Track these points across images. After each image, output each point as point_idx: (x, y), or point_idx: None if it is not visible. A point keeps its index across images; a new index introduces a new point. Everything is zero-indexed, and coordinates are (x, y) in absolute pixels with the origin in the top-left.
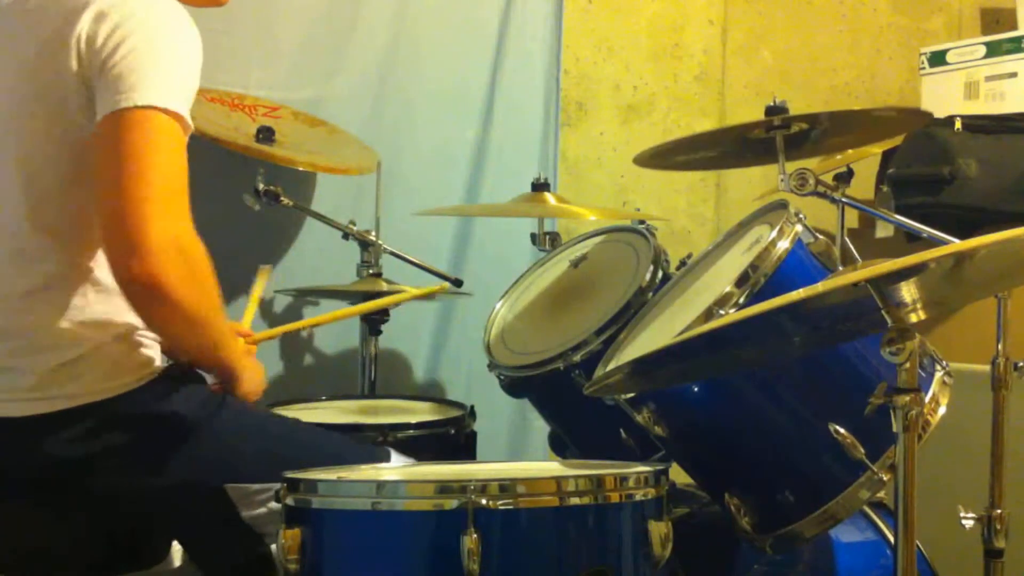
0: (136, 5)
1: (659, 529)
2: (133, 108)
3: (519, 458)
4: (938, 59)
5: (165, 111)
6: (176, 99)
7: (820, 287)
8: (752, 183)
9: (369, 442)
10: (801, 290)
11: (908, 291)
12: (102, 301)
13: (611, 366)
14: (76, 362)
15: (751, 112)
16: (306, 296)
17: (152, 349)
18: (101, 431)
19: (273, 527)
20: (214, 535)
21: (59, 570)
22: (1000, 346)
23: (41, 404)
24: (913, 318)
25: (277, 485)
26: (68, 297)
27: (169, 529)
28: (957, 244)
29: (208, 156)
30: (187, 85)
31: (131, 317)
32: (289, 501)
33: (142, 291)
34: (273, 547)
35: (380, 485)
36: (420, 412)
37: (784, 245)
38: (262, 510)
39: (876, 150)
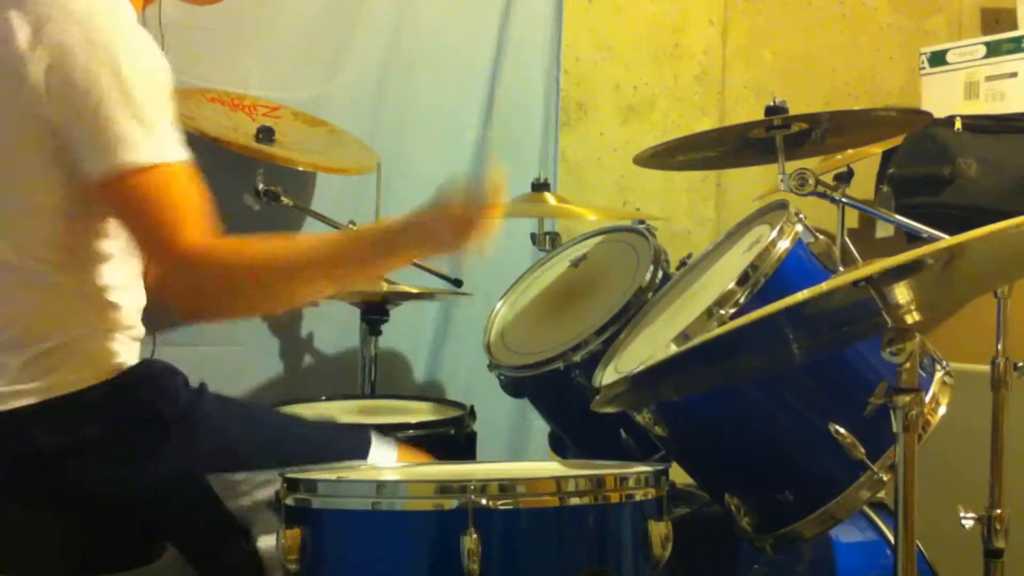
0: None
1: (659, 529)
2: (133, 168)
3: (519, 458)
4: (938, 59)
5: (167, 164)
6: (170, 145)
7: (822, 287)
8: (752, 183)
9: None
10: (804, 291)
11: (903, 293)
12: (68, 300)
13: (610, 371)
14: (45, 356)
15: (751, 112)
16: None
17: (124, 345)
18: (75, 425)
19: (258, 519)
20: (200, 528)
21: (48, 567)
22: (1000, 346)
23: (13, 399)
24: (909, 319)
25: (260, 475)
26: (34, 297)
27: (157, 525)
28: (953, 238)
29: (208, 156)
30: (169, 117)
31: (99, 315)
32: (289, 501)
33: (201, 319)
34: (260, 544)
35: (380, 485)
36: (420, 412)
37: (784, 245)
38: (246, 501)
39: (876, 150)
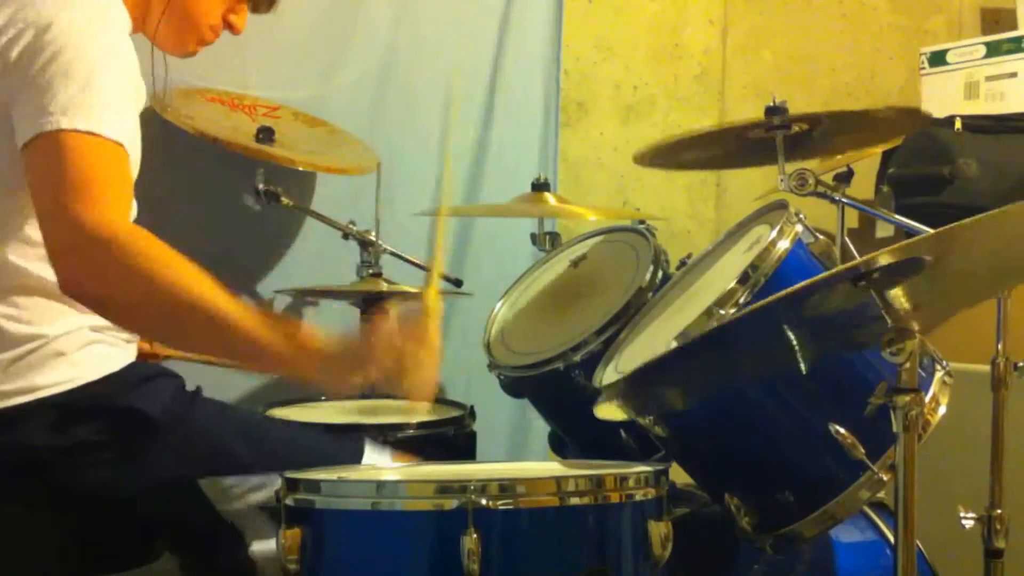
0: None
1: (659, 529)
2: (67, 129)
3: (519, 458)
4: (938, 59)
5: (101, 137)
6: (110, 123)
7: (818, 278)
8: (752, 183)
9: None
10: (797, 284)
11: (900, 298)
12: (53, 300)
13: (610, 371)
14: (31, 357)
15: (751, 112)
16: (306, 296)
17: (114, 346)
18: (67, 425)
19: (250, 523)
20: (192, 531)
21: (45, 567)
22: (1000, 346)
23: (1, 400)
24: (914, 325)
25: (252, 479)
26: (18, 296)
27: (150, 527)
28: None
29: (208, 156)
30: (124, 103)
31: (84, 317)
32: (289, 501)
33: (76, 297)
34: (253, 548)
35: (380, 485)
36: (419, 412)
37: (784, 245)
38: (238, 504)
39: (876, 150)
